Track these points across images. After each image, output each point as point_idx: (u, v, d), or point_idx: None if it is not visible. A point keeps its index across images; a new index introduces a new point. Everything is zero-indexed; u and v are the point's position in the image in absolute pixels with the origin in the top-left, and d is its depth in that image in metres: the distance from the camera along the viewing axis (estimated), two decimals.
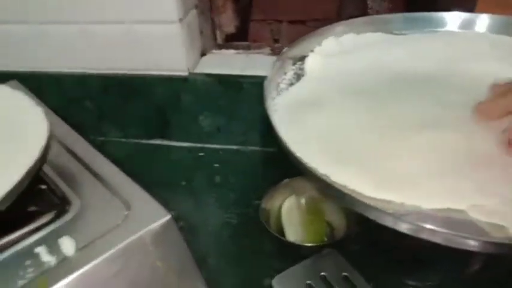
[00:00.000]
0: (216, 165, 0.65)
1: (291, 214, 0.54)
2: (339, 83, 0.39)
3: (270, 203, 0.55)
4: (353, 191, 0.29)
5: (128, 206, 0.38)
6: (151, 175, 0.61)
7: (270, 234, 0.51)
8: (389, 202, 0.29)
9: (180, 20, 0.55)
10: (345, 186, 0.29)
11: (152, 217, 0.37)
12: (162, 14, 0.55)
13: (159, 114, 0.65)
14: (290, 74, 0.43)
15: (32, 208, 0.38)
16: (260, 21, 0.77)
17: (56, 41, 0.61)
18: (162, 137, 0.67)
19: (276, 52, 0.63)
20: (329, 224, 0.54)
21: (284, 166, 0.64)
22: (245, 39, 0.71)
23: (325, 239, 0.52)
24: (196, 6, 0.59)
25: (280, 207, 0.55)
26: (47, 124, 0.40)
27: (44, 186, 0.39)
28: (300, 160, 0.31)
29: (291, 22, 0.76)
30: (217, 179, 0.63)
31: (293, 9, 0.76)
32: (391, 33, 0.47)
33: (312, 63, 0.42)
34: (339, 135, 0.33)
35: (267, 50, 0.63)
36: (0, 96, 0.43)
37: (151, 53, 0.60)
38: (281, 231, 0.53)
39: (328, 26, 0.48)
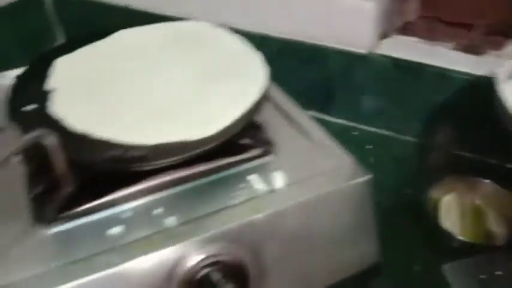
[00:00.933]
0: (369, 146, 0.66)
1: (450, 211, 0.54)
2: None
3: (433, 194, 0.54)
4: None
5: (330, 159, 0.41)
6: None
7: (421, 223, 0.51)
8: None
9: None
10: None
11: (354, 173, 0.39)
12: None
13: (326, 87, 0.67)
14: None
15: (244, 141, 0.41)
16: (423, 18, 0.76)
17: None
18: (322, 110, 0.69)
19: (457, 48, 0.62)
20: (488, 230, 0.53)
21: (437, 164, 0.64)
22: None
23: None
24: None
25: (438, 202, 0.55)
26: (266, 67, 0.43)
27: (258, 122, 0.42)
28: None
29: (458, 25, 0.74)
30: (371, 159, 0.64)
31: (463, 11, 0.73)
32: None
33: None
34: None
35: (450, 45, 0.62)
36: (223, 37, 0.48)
37: (337, 26, 0.62)
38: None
39: None
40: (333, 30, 0.63)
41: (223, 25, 0.53)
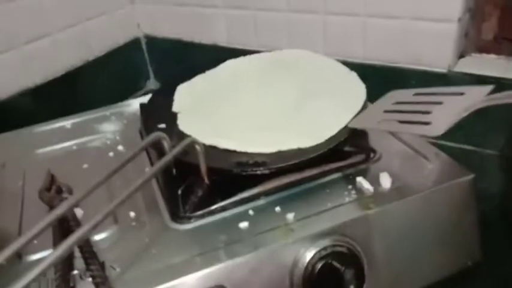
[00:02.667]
0: None
1: None
2: None
3: None
4: None
5: (430, 162, 0.44)
6: None
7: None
8: None
9: (459, 20, 0.60)
10: None
11: (456, 173, 0.42)
12: (444, 13, 0.61)
13: None
14: None
15: (350, 147, 0.46)
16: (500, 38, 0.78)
17: (335, 30, 0.71)
18: None
19: None
20: None
21: None
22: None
23: None
24: (469, 10, 0.64)
25: None
26: (363, 85, 0.48)
27: (361, 131, 0.47)
28: None
29: None
30: None
31: None
32: None
33: None
34: None
35: None
36: (319, 60, 0.53)
37: (417, 48, 0.66)
38: None
39: None
40: (412, 53, 0.67)
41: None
